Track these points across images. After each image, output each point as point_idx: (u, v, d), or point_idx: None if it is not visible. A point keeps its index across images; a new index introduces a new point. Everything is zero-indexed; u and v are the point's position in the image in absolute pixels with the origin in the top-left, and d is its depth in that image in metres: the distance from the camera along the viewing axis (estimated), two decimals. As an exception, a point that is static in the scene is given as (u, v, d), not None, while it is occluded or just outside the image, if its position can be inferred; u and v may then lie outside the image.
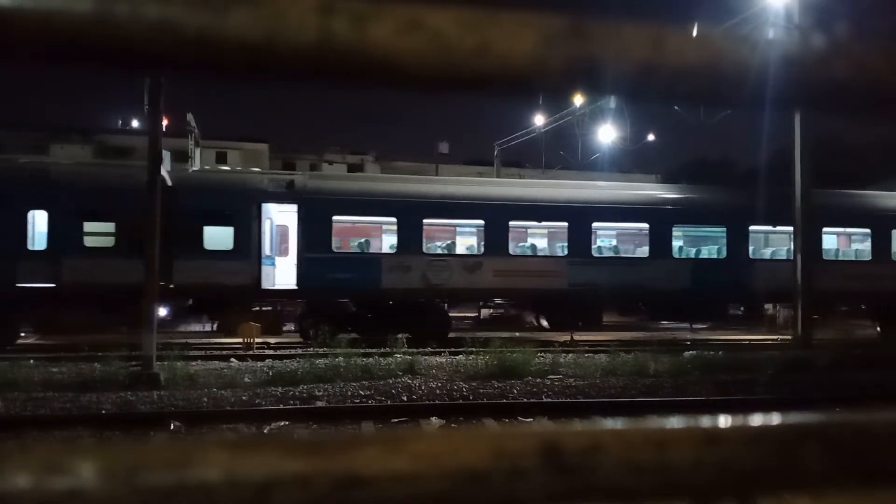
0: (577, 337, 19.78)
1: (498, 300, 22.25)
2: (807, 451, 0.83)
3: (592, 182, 23.19)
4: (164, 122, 17.25)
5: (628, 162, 43.77)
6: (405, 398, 11.32)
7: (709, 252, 21.08)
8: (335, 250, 18.65)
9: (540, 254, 20.38)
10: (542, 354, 14.78)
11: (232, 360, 14.97)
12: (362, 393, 11.48)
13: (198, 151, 34.59)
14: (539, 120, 37.20)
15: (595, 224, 20.13)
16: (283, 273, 18.56)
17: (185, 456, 0.67)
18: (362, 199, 18.87)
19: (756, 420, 0.84)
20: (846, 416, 0.87)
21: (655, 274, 19.78)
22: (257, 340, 17.46)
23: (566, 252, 19.95)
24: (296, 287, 18.32)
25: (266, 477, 0.67)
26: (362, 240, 19.56)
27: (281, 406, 10.64)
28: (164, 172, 17.79)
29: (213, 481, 0.66)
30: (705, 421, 0.84)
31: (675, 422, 0.82)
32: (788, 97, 0.88)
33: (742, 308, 23.23)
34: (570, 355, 15.54)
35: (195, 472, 0.66)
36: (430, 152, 50.18)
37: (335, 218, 18.60)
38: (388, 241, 19.32)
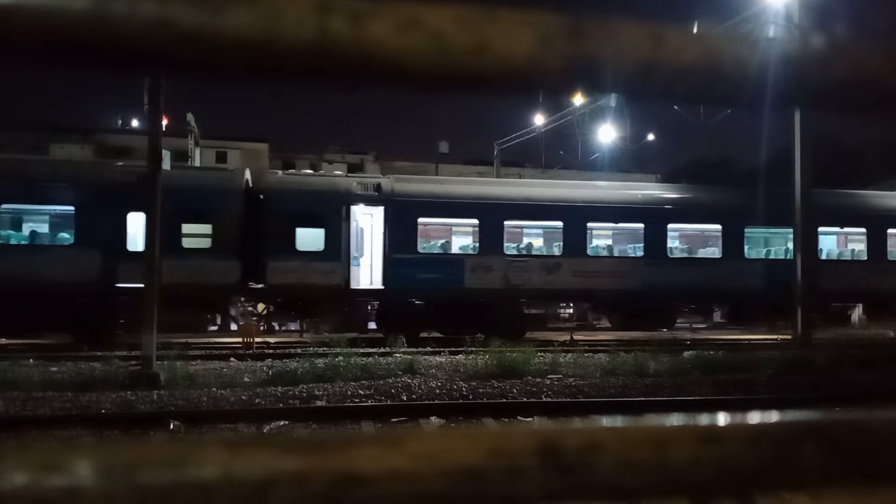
0: (576, 337, 19.80)
1: (574, 300, 22.79)
2: (805, 449, 0.83)
3: (667, 185, 23.75)
4: (164, 122, 17.29)
5: (628, 162, 43.77)
6: (405, 398, 11.32)
7: (778, 253, 21.47)
8: (420, 251, 19.19)
9: (617, 254, 20.86)
10: (542, 354, 14.78)
11: (231, 359, 14.97)
12: (362, 392, 11.48)
13: (198, 151, 34.61)
14: (539, 120, 37.21)
15: (670, 225, 20.55)
16: (370, 273, 19.19)
17: (182, 455, 0.67)
18: (446, 201, 19.46)
19: (754, 419, 0.84)
20: (844, 415, 0.87)
21: (727, 274, 20.16)
22: (257, 340, 17.47)
23: (642, 253, 20.36)
24: (382, 287, 18.86)
25: (263, 476, 0.67)
26: (446, 241, 20.16)
27: (280, 406, 10.64)
28: (247, 175, 18.72)
29: (211, 480, 0.66)
30: (704, 420, 0.84)
31: (673, 421, 0.82)
32: (787, 97, 0.88)
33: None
34: (570, 355, 15.54)
35: (193, 470, 0.66)
36: (430, 152, 50.18)
37: (420, 220, 19.19)
38: (470, 242, 19.88)
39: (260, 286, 17.90)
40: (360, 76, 0.71)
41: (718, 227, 20.86)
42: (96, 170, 18.70)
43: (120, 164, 19.29)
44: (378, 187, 19.16)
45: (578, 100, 30.34)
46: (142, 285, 16.17)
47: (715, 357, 14.94)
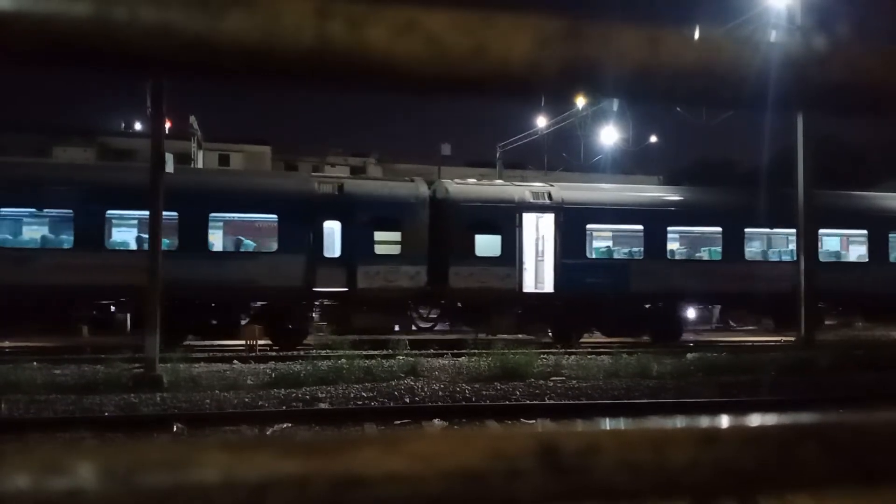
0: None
1: (729, 303, 23.18)
2: (805, 450, 0.83)
3: (817, 192, 24.31)
4: (167, 125, 17.35)
5: (630, 163, 43.75)
6: (407, 400, 11.31)
7: None
8: (589, 256, 20.11)
9: (771, 258, 21.94)
10: (545, 356, 14.77)
11: (234, 362, 14.97)
12: (365, 395, 11.48)
13: (200, 153, 34.63)
14: (541, 122, 37.20)
15: (821, 230, 21.02)
16: (541, 277, 20.00)
17: (183, 457, 0.67)
18: (613, 208, 20.29)
19: (754, 420, 0.84)
20: (844, 416, 0.88)
21: (874, 278, 20.70)
22: (259, 342, 17.48)
23: (795, 257, 20.94)
24: (552, 291, 19.61)
25: (264, 478, 0.68)
26: (613, 246, 21.15)
27: (283, 408, 10.64)
28: (439, 186, 19.96)
29: (212, 482, 0.67)
30: (703, 421, 0.84)
31: (672, 422, 0.82)
32: (787, 99, 0.88)
33: None
34: (573, 357, 15.53)
35: (193, 472, 0.67)
36: (433, 154, 50.15)
37: (589, 226, 20.12)
38: (635, 247, 20.71)
39: (439, 289, 18.96)
40: (358, 80, 0.72)
41: (864, 232, 21.57)
42: (297, 182, 19.84)
43: (316, 175, 20.83)
44: (549, 195, 20.08)
45: (580, 102, 30.32)
46: (338, 289, 18.09)
47: (718, 359, 14.93)
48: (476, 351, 15.51)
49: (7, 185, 16.96)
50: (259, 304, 18.30)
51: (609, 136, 36.77)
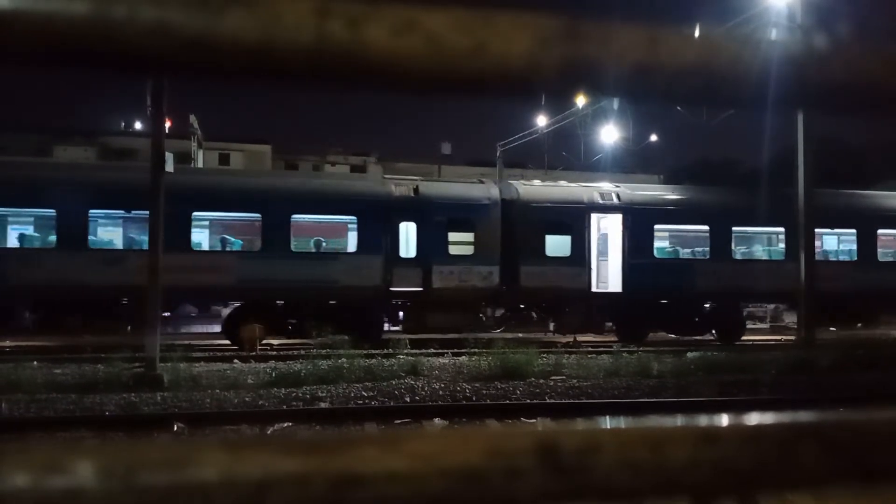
0: (579, 338, 19.81)
1: (789, 302, 23.31)
2: (805, 449, 0.83)
3: (871, 192, 24.60)
4: (167, 124, 17.34)
5: (631, 162, 43.73)
6: (408, 399, 11.31)
7: None
8: (656, 256, 20.39)
9: (831, 258, 22.22)
10: (546, 356, 14.76)
11: (235, 361, 14.97)
12: (365, 394, 11.48)
13: (201, 153, 34.65)
14: (541, 121, 37.18)
15: (879, 231, 21.68)
16: (610, 277, 20.30)
17: (183, 456, 0.67)
18: (680, 208, 20.72)
19: (753, 419, 0.84)
20: (843, 415, 0.88)
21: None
22: (258, 343, 17.48)
23: (854, 257, 21.73)
24: (620, 290, 19.94)
25: (264, 477, 0.68)
26: (679, 246, 21.42)
27: (284, 407, 10.64)
28: (519, 187, 20.36)
29: (211, 481, 0.67)
30: (703, 420, 0.84)
31: (672, 421, 0.82)
32: (787, 98, 0.88)
33: None
34: (573, 356, 15.52)
35: (193, 471, 0.67)
36: (433, 153, 50.17)
37: (656, 226, 20.45)
38: (701, 247, 20.96)
39: (507, 288, 19.28)
40: (358, 79, 0.72)
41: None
42: (374, 184, 20.21)
43: (392, 177, 21.02)
44: (617, 196, 20.42)
45: (581, 101, 30.31)
46: (414, 289, 18.45)
47: (718, 358, 14.92)
48: (476, 350, 15.51)
49: (100, 188, 17.40)
50: (336, 303, 18.56)
51: (609, 135, 36.76)
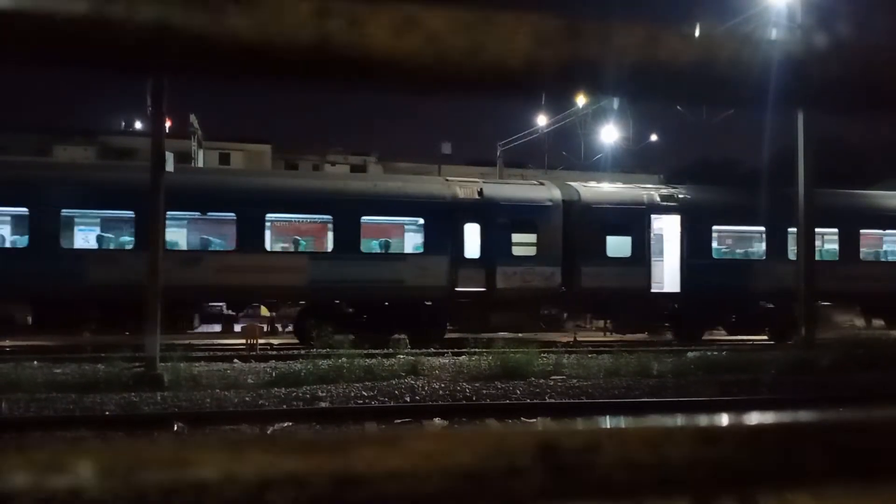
0: (580, 338, 19.82)
1: (842, 302, 23.58)
2: (805, 449, 0.83)
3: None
4: (168, 124, 17.36)
5: (631, 162, 43.71)
6: (408, 399, 11.31)
7: None
8: (714, 257, 20.74)
9: (890, 258, 22.83)
10: (546, 355, 14.76)
11: (235, 361, 14.97)
12: (365, 394, 11.48)
13: (201, 152, 34.64)
14: (542, 120, 37.17)
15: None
16: (669, 277, 20.55)
17: (182, 455, 0.67)
18: (737, 210, 20.86)
19: (752, 419, 0.84)
20: (842, 415, 0.88)
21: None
22: (260, 341, 17.48)
23: None
24: (678, 290, 20.22)
25: (264, 476, 0.68)
26: (737, 247, 21.89)
27: (284, 407, 10.64)
28: (580, 188, 20.61)
29: (211, 480, 0.67)
30: (703, 420, 0.84)
31: (672, 421, 0.82)
32: (787, 97, 0.88)
33: None
34: (574, 356, 15.52)
35: (193, 471, 0.67)
36: (433, 153, 50.13)
37: (715, 227, 20.76)
38: (758, 248, 21.37)
39: (564, 289, 19.55)
40: (358, 79, 0.72)
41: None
42: (441, 186, 20.39)
43: (456, 179, 21.26)
44: (676, 197, 20.70)
45: (581, 101, 30.30)
46: (477, 289, 18.69)
47: (718, 358, 14.92)
48: (476, 350, 15.50)
49: (177, 191, 17.65)
50: (402, 303, 18.81)
51: (609, 134, 36.73)
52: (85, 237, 18.29)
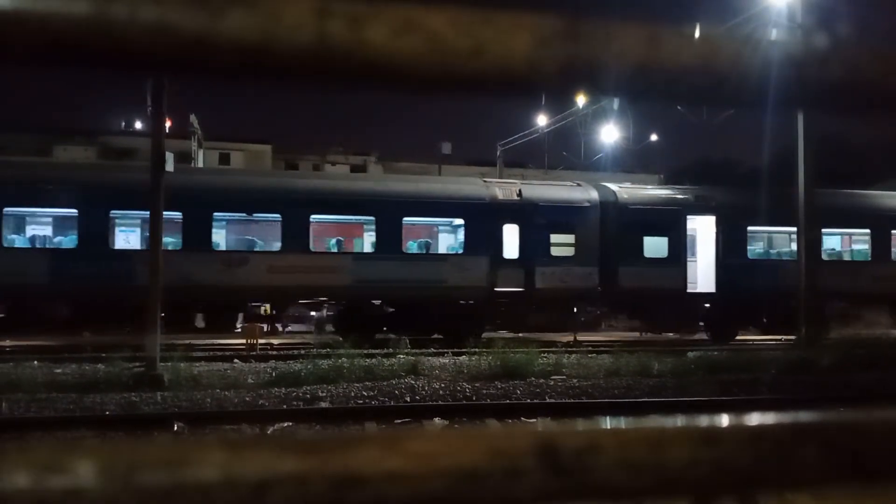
0: (580, 338, 19.83)
1: (873, 302, 23.64)
2: (805, 449, 0.83)
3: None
4: (168, 124, 17.37)
5: (631, 162, 43.71)
6: (408, 399, 11.31)
7: None
8: (749, 257, 21.07)
9: None
10: (546, 355, 14.76)
11: (235, 361, 14.97)
12: (365, 394, 11.47)
13: (201, 152, 34.65)
14: (542, 120, 37.18)
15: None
16: (705, 277, 20.84)
17: (182, 455, 0.67)
18: (771, 211, 20.79)
19: (753, 419, 0.84)
20: (842, 415, 0.88)
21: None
22: (260, 341, 17.48)
23: None
24: (714, 290, 20.52)
25: (264, 476, 0.68)
26: (771, 247, 22.28)
27: (284, 407, 10.64)
28: (618, 190, 20.80)
29: (211, 481, 0.67)
30: (703, 420, 0.84)
31: (672, 421, 0.82)
32: (786, 98, 0.88)
33: None
34: (574, 356, 15.52)
35: (193, 471, 0.67)
36: (433, 153, 50.13)
37: (750, 228, 21.08)
38: (792, 248, 21.18)
39: (600, 288, 19.85)
40: (358, 79, 0.72)
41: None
42: (480, 187, 20.55)
43: (494, 181, 21.53)
44: (711, 199, 20.99)
45: (581, 100, 30.30)
46: (516, 289, 18.92)
47: (719, 357, 14.92)
48: (476, 350, 15.50)
49: (224, 193, 18.16)
50: (442, 302, 18.96)
51: (609, 134, 36.74)
52: (126, 238, 18.70)
